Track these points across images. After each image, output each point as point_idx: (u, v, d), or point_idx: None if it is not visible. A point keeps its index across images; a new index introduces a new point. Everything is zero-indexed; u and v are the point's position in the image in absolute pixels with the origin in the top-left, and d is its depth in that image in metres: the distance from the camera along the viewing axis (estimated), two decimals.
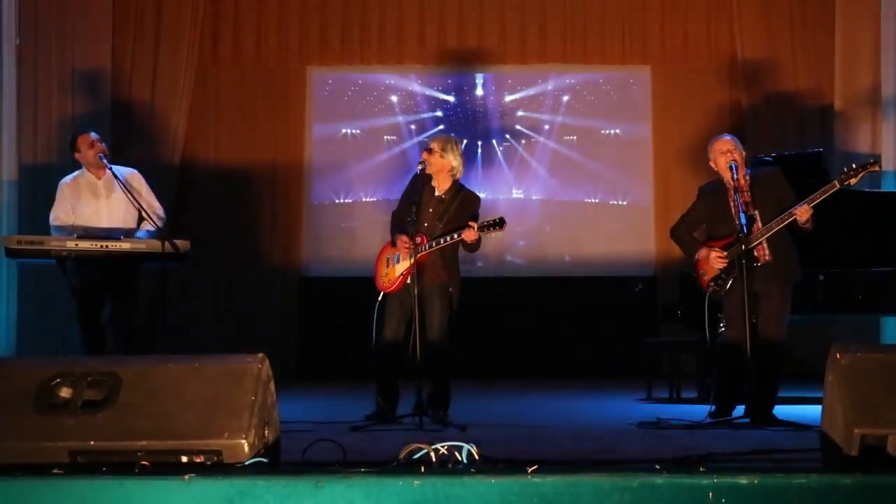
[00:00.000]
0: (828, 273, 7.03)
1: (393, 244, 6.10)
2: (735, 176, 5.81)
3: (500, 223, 5.93)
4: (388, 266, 6.07)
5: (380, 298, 6.10)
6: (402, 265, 5.99)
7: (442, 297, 6.06)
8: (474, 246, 6.05)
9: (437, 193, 6.16)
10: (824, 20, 10.02)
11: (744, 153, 5.96)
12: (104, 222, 6.61)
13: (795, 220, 5.68)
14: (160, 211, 6.76)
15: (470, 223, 5.93)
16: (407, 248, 5.91)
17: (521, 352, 10.21)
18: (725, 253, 5.81)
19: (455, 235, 5.93)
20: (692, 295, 6.91)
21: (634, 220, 10.54)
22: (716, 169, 5.98)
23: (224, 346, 9.75)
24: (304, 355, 10.29)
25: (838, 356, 3.66)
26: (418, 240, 5.94)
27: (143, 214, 6.56)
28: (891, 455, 3.43)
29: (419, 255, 5.90)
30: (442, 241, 5.96)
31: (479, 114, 10.70)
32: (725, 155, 5.87)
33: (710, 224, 6.04)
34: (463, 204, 6.16)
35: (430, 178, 6.16)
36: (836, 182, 5.66)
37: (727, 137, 6.02)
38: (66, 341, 6.47)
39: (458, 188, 6.20)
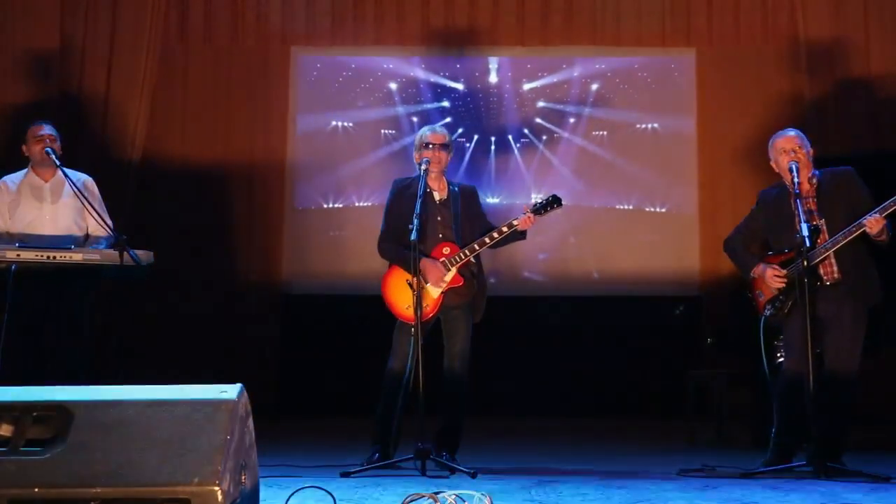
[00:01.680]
0: None
1: (412, 271, 6.01)
2: (797, 179, 5.79)
3: (555, 200, 6.06)
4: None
5: (399, 328, 6.06)
6: (436, 287, 5.98)
7: (467, 321, 6.10)
8: (520, 237, 6.14)
9: (437, 197, 6.18)
10: None
11: (811, 151, 5.96)
12: (47, 230, 6.61)
13: (869, 235, 5.68)
14: (111, 227, 6.69)
15: (525, 209, 6.04)
16: (434, 268, 5.92)
17: (541, 384, 10.19)
18: (784, 271, 5.81)
19: (504, 229, 5.98)
20: (745, 319, 6.90)
21: (675, 230, 10.53)
22: (777, 170, 5.99)
23: (193, 375, 9.73)
24: (287, 385, 10.28)
25: None
26: (447, 250, 5.98)
27: (96, 221, 6.54)
28: None
29: (461, 264, 5.97)
30: (486, 239, 6.00)
31: (493, 104, 10.71)
32: (787, 154, 5.88)
33: (771, 235, 6.04)
34: (467, 199, 6.28)
35: (425, 182, 6.14)
36: None
37: (791, 133, 6.03)
38: (4, 369, 6.44)
39: (451, 185, 6.28)
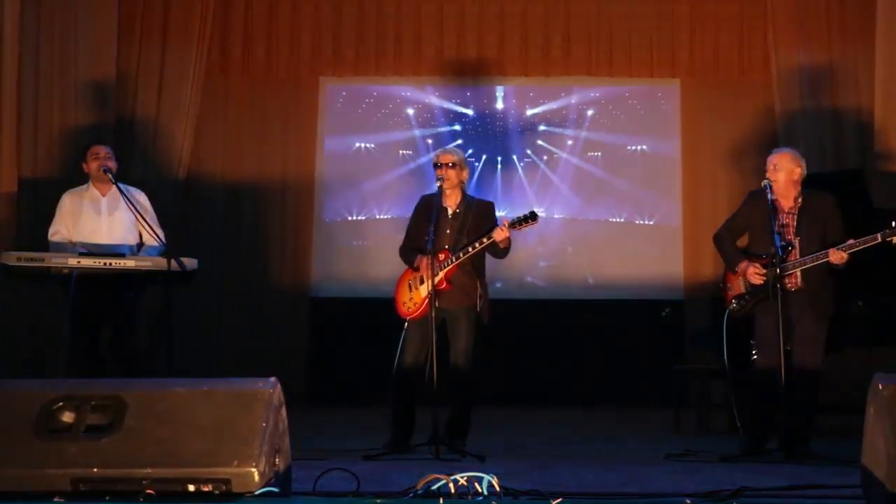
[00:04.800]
0: (868, 301, 6.98)
1: (414, 268, 6.07)
2: (770, 196, 5.81)
3: (532, 216, 6.00)
4: (410, 291, 6.06)
5: (406, 326, 6.08)
6: (427, 286, 5.96)
7: (469, 320, 6.07)
8: (505, 249, 6.08)
9: (450, 212, 6.18)
10: (864, 33, 9.95)
11: (796, 171, 5.93)
12: (104, 239, 6.62)
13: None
14: (162, 237, 6.71)
15: (503, 221, 6.01)
16: (428, 267, 5.89)
17: (541, 378, 10.19)
18: (764, 271, 5.79)
19: (484, 240, 5.97)
20: (722, 321, 6.90)
21: (662, 240, 10.52)
22: None
23: (229, 369, 9.76)
24: (314, 379, 10.29)
25: (881, 387, 3.65)
26: (441, 256, 5.97)
27: (147, 232, 6.57)
28: None
29: (448, 269, 5.95)
30: (470, 249, 5.98)
31: (499, 128, 10.71)
32: (767, 172, 5.89)
33: (752, 234, 6.03)
34: (479, 213, 6.22)
35: (442, 198, 6.15)
36: (878, 235, 5.65)
37: (775, 153, 6.02)
38: (66, 364, 6.45)
39: (468, 200, 6.26)
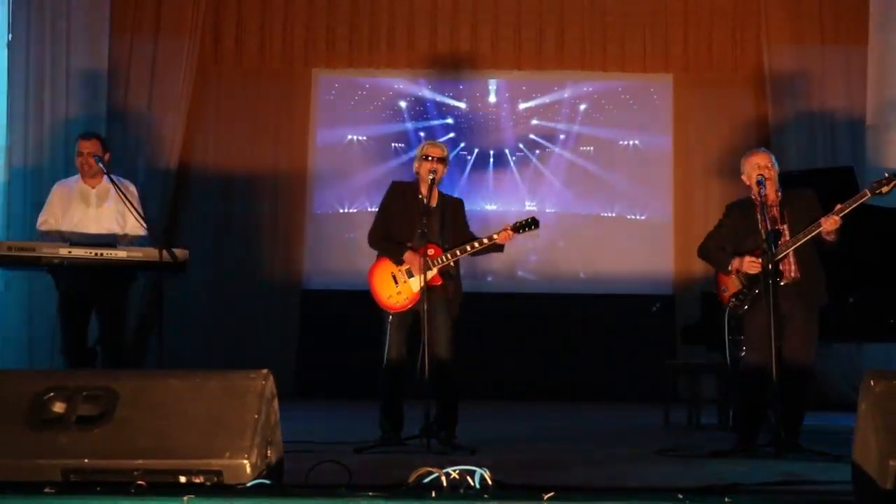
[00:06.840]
0: (859, 294, 6.98)
1: (397, 262, 6.04)
2: (763, 192, 5.80)
3: (534, 223, 6.06)
4: (397, 283, 6.02)
5: (390, 319, 6.06)
6: (419, 280, 5.94)
7: (446, 312, 6.07)
8: (501, 248, 6.18)
9: (428, 205, 6.16)
10: (856, 32, 9.97)
11: (776, 169, 5.96)
12: (91, 229, 6.58)
13: (822, 235, 5.69)
14: (143, 230, 6.66)
15: (505, 227, 6.04)
16: (420, 263, 5.88)
17: (532, 372, 10.19)
18: (759, 260, 5.77)
19: (485, 240, 5.99)
20: (713, 315, 6.90)
21: (653, 235, 10.52)
22: (748, 183, 5.96)
23: (220, 360, 9.74)
24: (304, 371, 10.28)
25: (873, 383, 3.65)
26: (431, 251, 5.95)
27: (138, 222, 6.53)
28: None
29: (442, 265, 5.95)
30: (468, 247, 6.00)
31: (492, 122, 10.70)
32: (759, 169, 5.86)
33: (737, 240, 6.02)
34: (454, 210, 6.27)
35: (423, 190, 6.14)
36: (867, 191, 5.66)
37: (764, 152, 6.02)
38: (56, 354, 6.42)
39: (442, 196, 6.26)
